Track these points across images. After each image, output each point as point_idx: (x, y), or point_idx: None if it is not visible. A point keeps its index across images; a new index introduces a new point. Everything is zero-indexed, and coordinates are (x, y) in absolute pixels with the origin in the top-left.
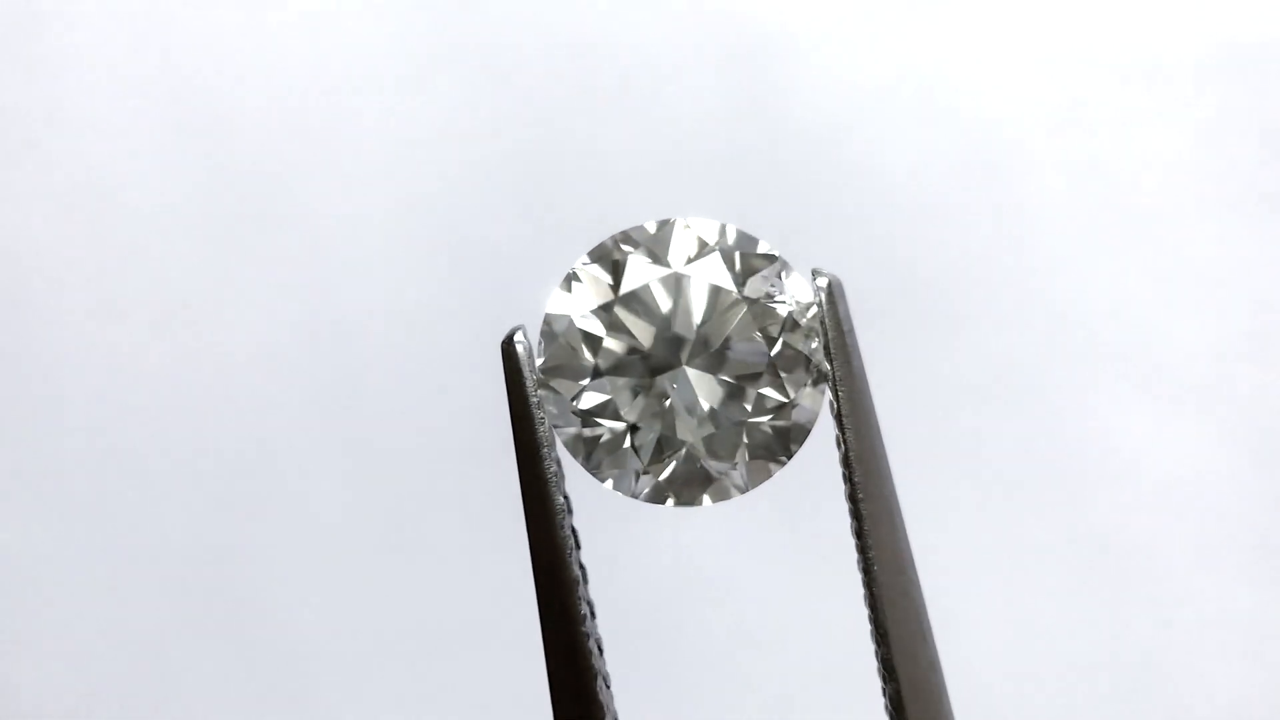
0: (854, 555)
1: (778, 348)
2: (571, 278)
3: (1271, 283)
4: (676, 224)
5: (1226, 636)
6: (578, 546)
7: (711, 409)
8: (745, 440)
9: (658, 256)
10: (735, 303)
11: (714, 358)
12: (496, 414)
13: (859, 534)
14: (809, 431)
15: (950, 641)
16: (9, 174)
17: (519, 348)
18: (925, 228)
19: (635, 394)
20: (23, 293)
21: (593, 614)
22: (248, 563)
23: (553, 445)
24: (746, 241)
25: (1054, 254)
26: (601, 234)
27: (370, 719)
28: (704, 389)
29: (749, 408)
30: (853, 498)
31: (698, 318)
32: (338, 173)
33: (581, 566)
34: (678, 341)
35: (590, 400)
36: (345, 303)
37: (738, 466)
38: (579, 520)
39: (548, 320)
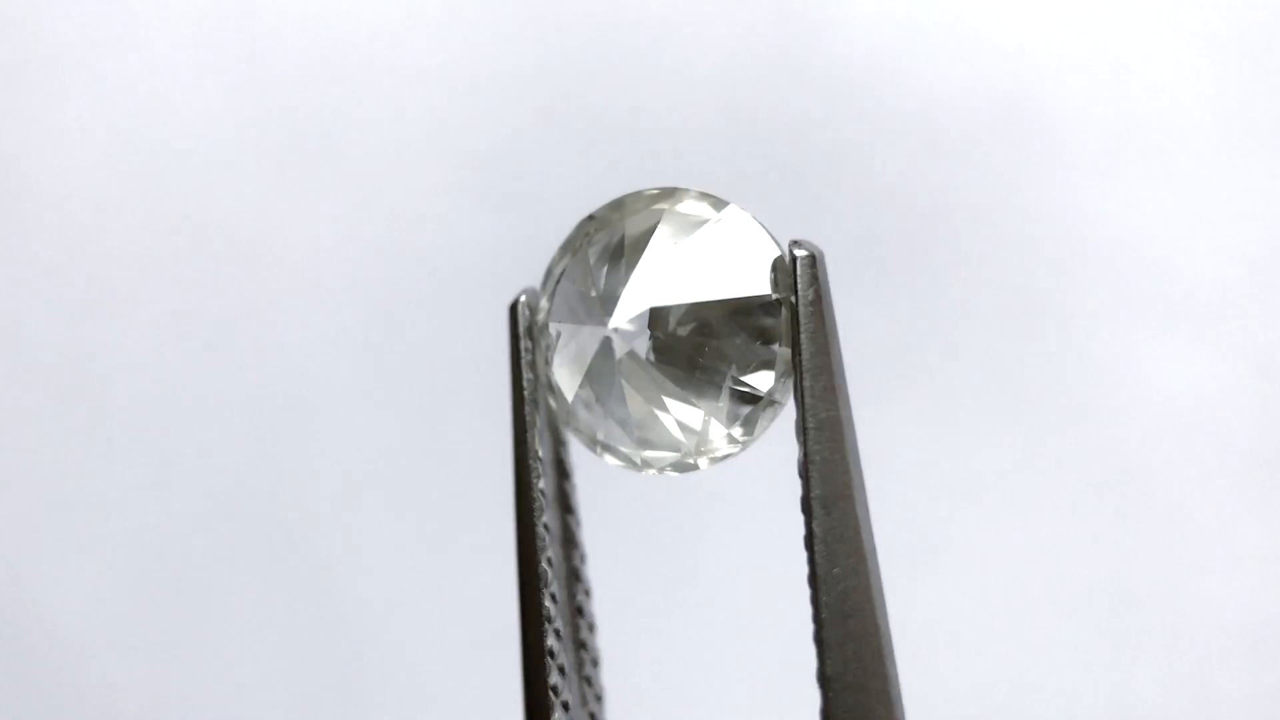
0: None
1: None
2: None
3: None
4: (640, 195)
5: (1238, 560)
6: (573, 544)
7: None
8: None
9: (613, 224)
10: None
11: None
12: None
13: (809, 553)
14: (762, 415)
15: (960, 567)
16: (56, 111)
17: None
18: (942, 160)
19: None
20: (68, 228)
21: (581, 613)
22: (285, 495)
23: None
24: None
25: (1070, 184)
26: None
27: (405, 660)
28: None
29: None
30: (805, 507)
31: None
32: (386, 111)
33: (571, 564)
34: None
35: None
36: (394, 239)
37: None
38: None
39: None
